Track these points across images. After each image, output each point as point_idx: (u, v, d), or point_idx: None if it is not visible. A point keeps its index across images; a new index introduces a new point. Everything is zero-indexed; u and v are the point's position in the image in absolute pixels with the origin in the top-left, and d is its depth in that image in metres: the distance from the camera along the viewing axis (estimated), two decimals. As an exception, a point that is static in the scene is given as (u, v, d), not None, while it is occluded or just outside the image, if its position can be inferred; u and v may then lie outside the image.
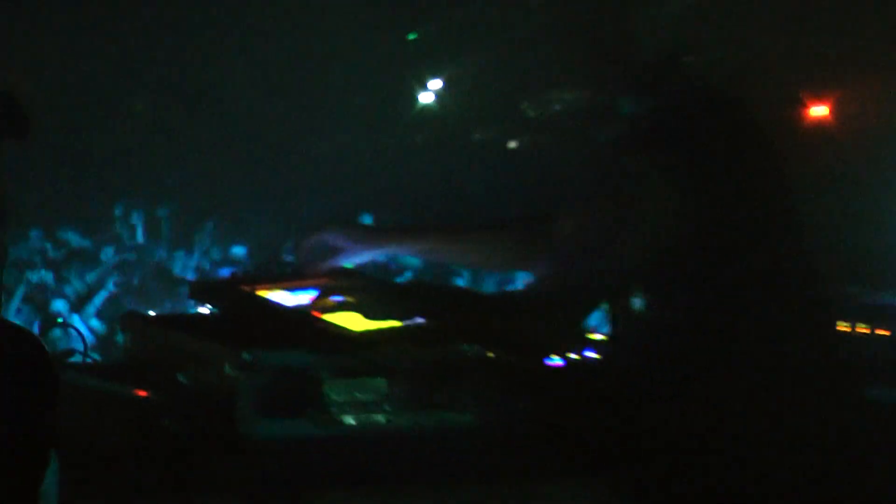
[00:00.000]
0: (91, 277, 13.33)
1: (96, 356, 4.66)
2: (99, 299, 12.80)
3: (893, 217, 5.13)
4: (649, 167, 3.01)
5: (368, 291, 3.43)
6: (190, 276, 13.38)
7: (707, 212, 3.00)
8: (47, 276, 13.33)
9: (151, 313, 9.09)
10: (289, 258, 3.76)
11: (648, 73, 3.18)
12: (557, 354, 3.96)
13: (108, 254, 13.96)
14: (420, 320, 3.46)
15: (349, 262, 3.64)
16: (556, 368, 3.97)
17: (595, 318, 3.56)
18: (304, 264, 3.65)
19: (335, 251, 3.65)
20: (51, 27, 16.95)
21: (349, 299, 3.43)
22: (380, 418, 3.53)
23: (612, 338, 3.39)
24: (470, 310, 3.27)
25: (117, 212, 15.22)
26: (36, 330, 11.33)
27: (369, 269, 3.74)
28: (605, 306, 3.31)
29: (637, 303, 3.13)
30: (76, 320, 11.77)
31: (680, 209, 2.99)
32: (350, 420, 3.52)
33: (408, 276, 12.65)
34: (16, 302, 12.23)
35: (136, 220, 15.18)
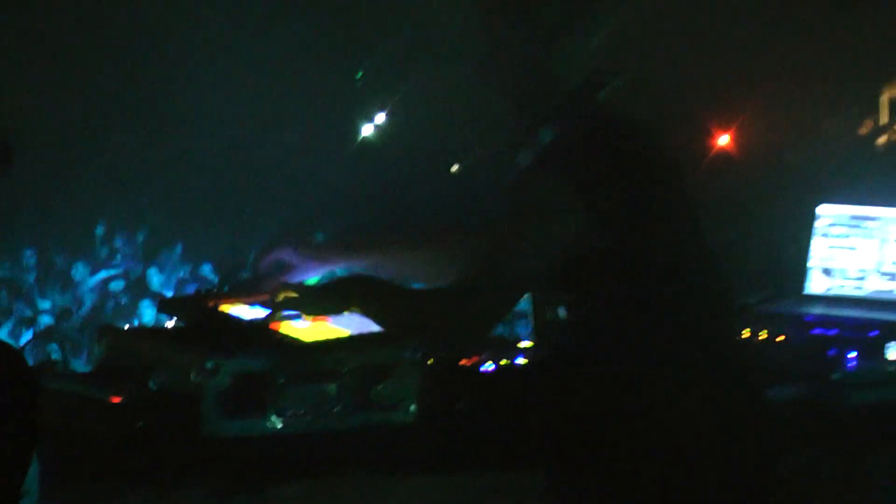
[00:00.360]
0: (74, 293, 13.28)
1: (76, 365, 4.65)
2: (81, 314, 12.74)
3: (790, 234, 5.15)
4: (561, 186, 3.02)
5: (305, 293, 3.43)
6: (165, 293, 13.35)
7: (613, 226, 3.02)
8: (34, 293, 13.29)
9: (126, 326, 9.04)
10: (247, 275, 3.74)
11: (563, 103, 3.18)
12: (491, 360, 3.99)
13: (84, 272, 13.90)
14: (363, 328, 3.48)
15: (302, 278, 3.64)
16: (489, 372, 4.00)
17: (524, 328, 3.58)
18: (261, 281, 3.64)
19: (290, 268, 3.65)
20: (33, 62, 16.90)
21: (294, 301, 3.43)
22: (331, 418, 3.54)
23: (535, 342, 3.41)
24: (400, 303, 3.27)
25: (98, 231, 15.17)
26: (23, 342, 11.28)
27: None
28: (530, 315, 3.32)
29: (558, 310, 3.15)
30: (61, 333, 11.72)
31: (588, 223, 3.00)
32: (304, 421, 3.52)
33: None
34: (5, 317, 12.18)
35: (117, 242, 15.13)
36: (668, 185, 3.18)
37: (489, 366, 3.93)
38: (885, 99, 25.37)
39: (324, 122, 21.62)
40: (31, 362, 3.39)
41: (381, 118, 21.77)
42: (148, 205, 16.37)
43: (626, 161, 3.09)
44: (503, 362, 3.94)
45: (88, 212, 15.72)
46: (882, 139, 21.33)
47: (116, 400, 3.52)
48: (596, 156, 3.07)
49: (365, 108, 21.86)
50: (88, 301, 13.20)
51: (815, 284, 4.80)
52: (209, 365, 3.43)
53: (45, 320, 12.50)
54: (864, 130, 22.31)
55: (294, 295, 3.44)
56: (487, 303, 3.09)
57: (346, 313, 3.57)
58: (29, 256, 14.21)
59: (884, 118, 24.72)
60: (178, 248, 14.69)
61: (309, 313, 3.47)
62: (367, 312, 3.33)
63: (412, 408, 3.58)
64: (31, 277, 13.86)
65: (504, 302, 3.14)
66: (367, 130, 21.82)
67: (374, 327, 3.57)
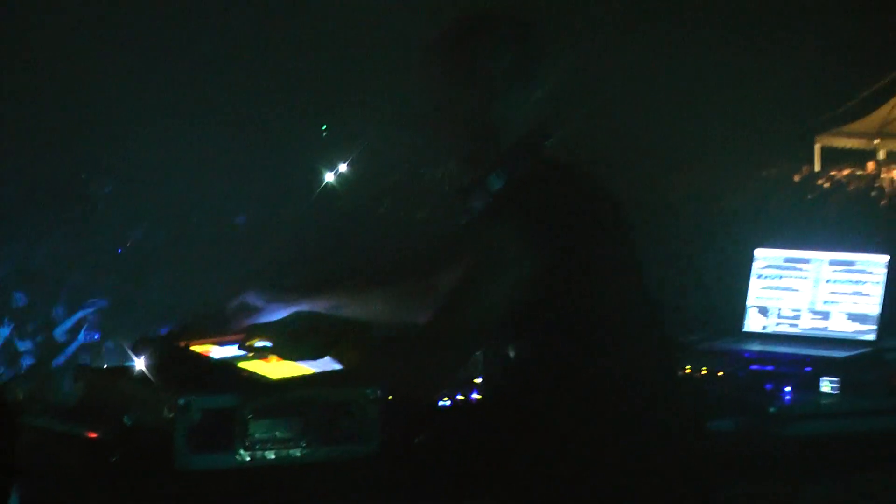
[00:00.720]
0: (56, 333, 13.19)
1: (56, 402, 4.63)
2: (62, 354, 12.66)
3: (728, 277, 5.19)
4: (509, 235, 3.04)
5: (279, 340, 3.43)
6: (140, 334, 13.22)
7: (557, 270, 3.03)
8: (16, 333, 13.19)
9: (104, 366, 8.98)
10: (217, 316, 3.74)
11: (510, 153, 3.20)
12: (447, 396, 4.00)
13: (62, 313, 13.81)
14: (327, 366, 3.49)
15: (268, 320, 3.64)
16: (446, 407, 4.01)
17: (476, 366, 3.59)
18: (229, 322, 3.65)
19: (255, 311, 3.66)
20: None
21: (267, 347, 3.43)
22: (296, 452, 3.54)
23: (486, 380, 3.42)
24: (363, 350, 3.28)
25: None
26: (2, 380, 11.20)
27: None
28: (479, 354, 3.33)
29: (509, 348, 3.16)
30: (39, 372, 11.64)
31: (533, 267, 3.02)
32: (271, 454, 3.53)
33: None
34: None
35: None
36: (609, 233, 3.19)
37: (446, 401, 3.95)
38: (818, 148, 25.60)
39: (290, 172, 21.70)
40: (9, 399, 3.38)
41: (343, 168, 21.91)
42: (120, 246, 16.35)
43: (567, 210, 3.11)
44: (460, 397, 3.96)
45: (68, 254, 15.67)
46: (814, 186, 21.51)
47: (93, 436, 3.52)
48: (538, 206, 3.09)
49: (329, 159, 21.94)
50: (67, 340, 13.11)
51: (753, 323, 4.84)
52: (181, 402, 3.43)
53: (26, 361, 12.42)
54: (798, 178, 22.50)
55: (266, 342, 3.43)
56: (447, 351, 3.10)
57: None
58: (18, 299, 14.13)
59: (817, 166, 24.94)
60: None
61: (283, 358, 3.47)
62: (337, 358, 3.33)
63: (374, 442, 3.59)
64: (17, 316, 13.77)
65: (462, 350, 3.15)
66: (329, 178, 21.93)
67: (337, 365, 3.58)
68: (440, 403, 3.93)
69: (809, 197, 20.08)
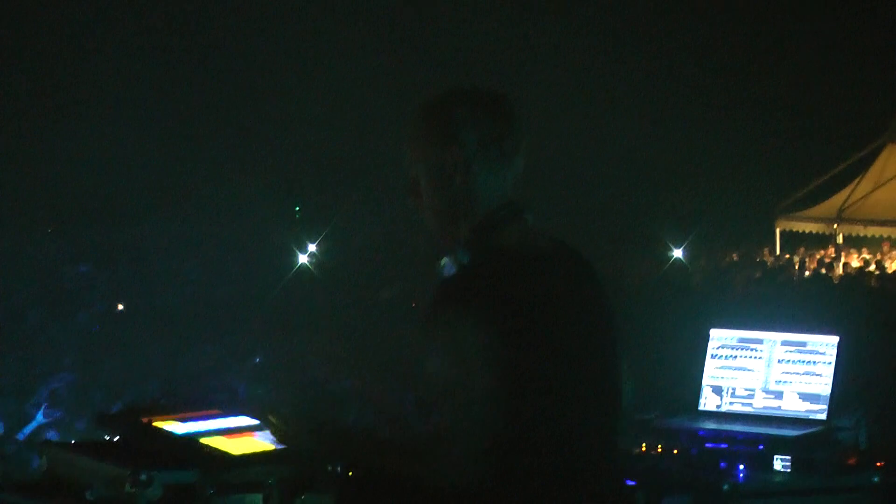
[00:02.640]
0: (20, 409, 13.07)
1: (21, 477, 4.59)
2: (28, 429, 12.55)
3: (684, 356, 5.20)
4: (456, 316, 3.06)
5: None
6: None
7: (506, 351, 3.04)
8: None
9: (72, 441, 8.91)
10: (180, 394, 3.73)
11: (481, 227, 3.23)
12: None
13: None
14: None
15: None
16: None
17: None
18: (191, 400, 3.64)
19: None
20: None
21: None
22: (257, 527, 3.52)
23: None
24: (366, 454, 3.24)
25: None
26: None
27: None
28: None
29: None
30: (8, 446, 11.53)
31: (486, 352, 3.03)
32: (233, 529, 3.51)
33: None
34: None
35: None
36: (566, 318, 3.19)
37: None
38: (778, 231, 25.71)
39: (268, 251, 21.82)
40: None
41: (312, 248, 22.06)
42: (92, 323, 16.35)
43: (510, 298, 3.11)
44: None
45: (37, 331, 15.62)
46: (772, 268, 21.59)
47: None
48: (482, 291, 3.10)
49: (300, 241, 22.08)
50: (39, 415, 12.99)
51: (708, 401, 4.83)
52: (143, 477, 3.41)
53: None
54: (757, 259, 22.59)
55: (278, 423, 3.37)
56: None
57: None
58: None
59: (777, 249, 25.04)
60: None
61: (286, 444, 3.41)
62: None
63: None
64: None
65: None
66: (302, 259, 22.03)
67: None
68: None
69: (764, 278, 20.16)
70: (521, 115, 3.28)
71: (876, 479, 4.53)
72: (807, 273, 21.12)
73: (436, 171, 3.25)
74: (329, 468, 3.55)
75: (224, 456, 3.45)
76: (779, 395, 4.76)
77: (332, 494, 3.56)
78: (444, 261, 3.23)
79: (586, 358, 3.21)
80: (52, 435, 11.16)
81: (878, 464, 4.63)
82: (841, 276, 19.55)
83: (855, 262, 21.64)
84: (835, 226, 24.83)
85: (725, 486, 4.39)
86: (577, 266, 3.29)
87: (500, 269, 3.15)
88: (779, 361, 4.78)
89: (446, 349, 3.08)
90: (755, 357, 4.82)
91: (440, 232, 3.29)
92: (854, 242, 24.41)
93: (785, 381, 4.76)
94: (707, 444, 4.58)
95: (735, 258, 22.53)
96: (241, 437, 3.57)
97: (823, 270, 21.10)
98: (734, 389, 4.81)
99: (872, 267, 21.11)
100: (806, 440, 4.58)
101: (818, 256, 23.23)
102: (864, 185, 24.93)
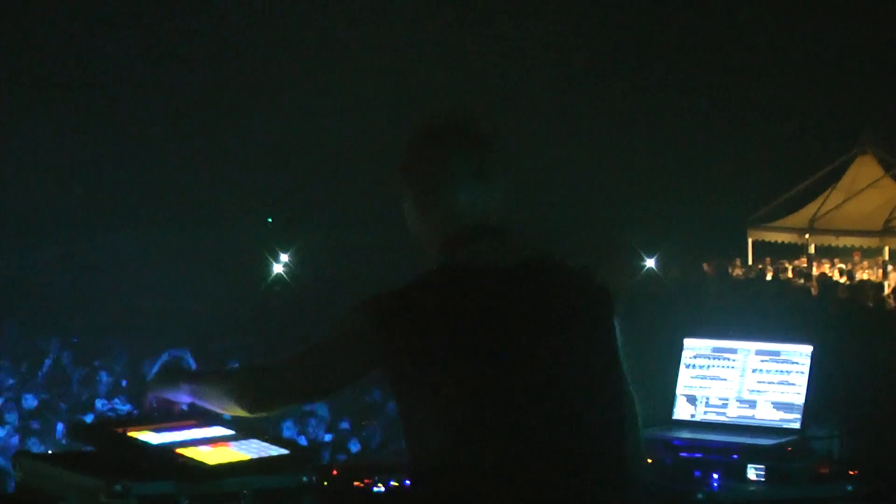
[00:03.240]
0: None
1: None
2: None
3: (656, 367, 5.19)
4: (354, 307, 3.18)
5: None
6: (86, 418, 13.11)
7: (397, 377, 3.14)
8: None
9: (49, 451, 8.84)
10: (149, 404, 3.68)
11: (441, 252, 3.26)
12: (381, 483, 3.98)
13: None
14: (262, 452, 3.48)
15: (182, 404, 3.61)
16: (381, 493, 3.98)
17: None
18: (154, 412, 3.61)
19: (170, 400, 3.61)
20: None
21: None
22: (233, 538, 3.50)
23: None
24: None
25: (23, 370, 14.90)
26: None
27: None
28: None
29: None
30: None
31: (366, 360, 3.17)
32: (208, 540, 3.49)
33: None
34: None
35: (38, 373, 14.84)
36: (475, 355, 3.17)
37: (380, 488, 3.92)
38: (750, 242, 25.80)
39: (243, 260, 21.83)
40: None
41: (286, 258, 22.09)
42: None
43: (427, 328, 3.13)
44: (393, 484, 3.94)
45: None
46: (745, 278, 21.65)
47: (29, 521, 3.46)
48: (386, 297, 3.16)
49: (273, 251, 22.10)
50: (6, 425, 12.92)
51: (682, 411, 4.82)
52: (117, 488, 3.39)
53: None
54: (729, 270, 22.64)
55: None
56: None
57: (246, 438, 3.57)
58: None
59: (749, 259, 25.10)
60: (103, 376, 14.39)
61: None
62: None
63: (308, 527, 3.55)
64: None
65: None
66: (277, 269, 22.04)
67: (273, 451, 3.55)
68: (374, 490, 3.91)
69: (737, 288, 20.22)
70: (500, 140, 3.29)
71: (850, 488, 4.54)
72: (778, 282, 21.20)
73: (413, 199, 3.30)
74: (304, 479, 3.54)
75: (200, 466, 3.43)
76: (753, 404, 4.75)
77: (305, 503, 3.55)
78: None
79: (524, 375, 3.14)
80: (28, 445, 11.11)
81: (852, 473, 4.63)
82: (816, 287, 19.60)
83: (830, 273, 21.72)
84: (807, 236, 24.93)
85: (700, 496, 4.39)
86: (543, 283, 3.25)
87: (415, 287, 3.18)
88: (753, 371, 4.78)
89: (332, 324, 3.20)
90: (729, 366, 4.81)
91: (428, 252, 3.31)
92: (826, 253, 24.52)
93: (759, 391, 4.76)
94: (681, 454, 4.58)
95: (707, 268, 22.58)
96: (216, 447, 3.54)
97: (802, 280, 21.16)
98: (708, 399, 4.80)
99: (844, 278, 21.21)
100: (780, 449, 4.57)
101: (790, 267, 23.32)
102: (836, 196, 25.05)
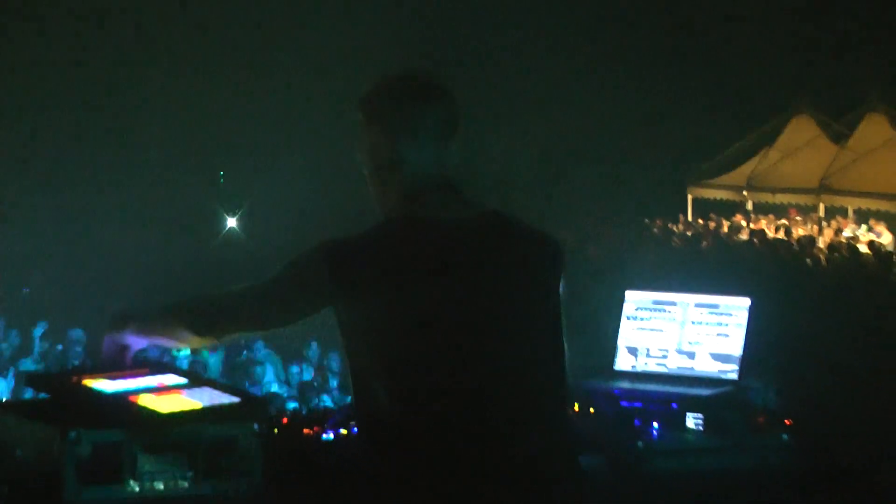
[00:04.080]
0: None
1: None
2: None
3: (601, 317, 5.22)
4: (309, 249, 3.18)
5: None
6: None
7: (350, 316, 3.14)
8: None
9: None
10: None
11: (396, 205, 3.25)
12: (330, 430, 3.98)
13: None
14: (214, 400, 3.47)
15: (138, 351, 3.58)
16: (329, 441, 3.99)
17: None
18: (110, 360, 3.58)
19: (125, 347, 3.57)
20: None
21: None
22: (184, 484, 3.50)
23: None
24: None
25: None
26: None
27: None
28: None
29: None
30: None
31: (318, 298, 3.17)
32: (159, 486, 3.48)
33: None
34: None
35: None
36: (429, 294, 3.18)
37: (328, 435, 3.93)
38: (689, 199, 25.92)
39: (195, 216, 21.73)
40: None
41: (239, 213, 22.01)
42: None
43: (388, 266, 3.14)
44: (342, 431, 3.95)
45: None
46: (684, 233, 21.76)
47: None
48: (365, 254, 3.15)
49: (227, 206, 22.00)
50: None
51: (623, 362, 4.86)
52: (71, 435, 3.38)
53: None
54: (670, 226, 22.74)
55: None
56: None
57: (199, 387, 3.57)
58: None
59: (689, 216, 25.23)
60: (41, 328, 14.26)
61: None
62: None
63: (257, 476, 3.55)
64: None
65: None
66: (230, 223, 21.95)
67: (225, 399, 3.54)
68: (323, 437, 3.91)
69: (678, 243, 20.32)
70: (454, 98, 3.28)
71: (785, 437, 4.59)
72: (718, 238, 21.32)
73: (369, 155, 3.27)
74: (255, 427, 3.54)
75: (152, 414, 3.42)
76: (692, 355, 4.79)
77: (257, 453, 3.55)
78: None
79: (474, 321, 3.15)
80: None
81: (787, 422, 4.69)
82: (754, 242, 19.71)
83: (767, 230, 21.84)
84: (744, 193, 25.06)
85: (640, 444, 4.43)
86: (497, 235, 3.26)
87: (373, 233, 3.19)
88: (692, 323, 4.82)
89: (289, 260, 3.21)
90: (669, 318, 4.85)
91: (382, 211, 3.30)
92: (763, 209, 24.66)
93: (698, 342, 4.79)
94: (622, 403, 4.61)
95: (649, 223, 22.67)
96: (169, 394, 3.54)
97: (743, 236, 21.30)
98: (649, 350, 4.84)
99: (781, 233, 21.34)
100: (718, 399, 4.62)
101: (727, 223, 23.45)
102: (773, 154, 25.19)
